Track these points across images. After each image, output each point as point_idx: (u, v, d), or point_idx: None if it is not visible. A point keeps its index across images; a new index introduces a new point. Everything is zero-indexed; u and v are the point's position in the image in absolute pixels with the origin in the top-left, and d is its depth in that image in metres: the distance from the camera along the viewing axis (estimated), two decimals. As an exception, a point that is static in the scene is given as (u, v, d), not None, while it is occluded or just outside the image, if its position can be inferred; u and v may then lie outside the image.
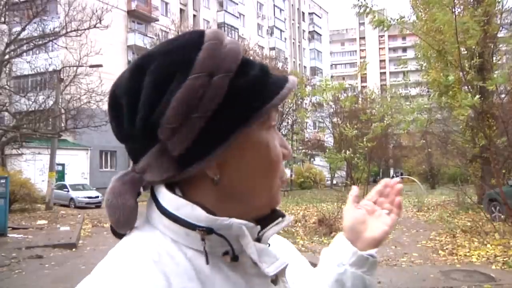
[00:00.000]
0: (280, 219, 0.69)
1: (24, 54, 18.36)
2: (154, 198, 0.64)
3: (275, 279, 0.65)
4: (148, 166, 0.62)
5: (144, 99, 0.59)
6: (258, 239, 0.66)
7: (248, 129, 0.61)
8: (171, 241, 0.61)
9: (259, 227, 0.65)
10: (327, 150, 11.78)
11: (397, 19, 8.64)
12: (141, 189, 0.66)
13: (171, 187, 0.63)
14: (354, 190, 0.92)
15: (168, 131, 0.59)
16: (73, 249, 9.58)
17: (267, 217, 0.68)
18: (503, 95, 11.63)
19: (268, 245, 0.67)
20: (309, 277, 0.80)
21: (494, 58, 12.56)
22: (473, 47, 9.07)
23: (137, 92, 0.60)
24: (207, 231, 0.60)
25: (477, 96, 7.55)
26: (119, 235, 0.65)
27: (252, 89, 0.62)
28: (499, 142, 8.98)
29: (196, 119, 0.59)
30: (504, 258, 7.39)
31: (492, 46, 11.15)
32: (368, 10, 8.01)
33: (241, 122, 0.60)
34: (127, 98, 0.61)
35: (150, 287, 0.55)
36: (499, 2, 11.25)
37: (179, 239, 0.61)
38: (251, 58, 0.69)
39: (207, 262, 0.59)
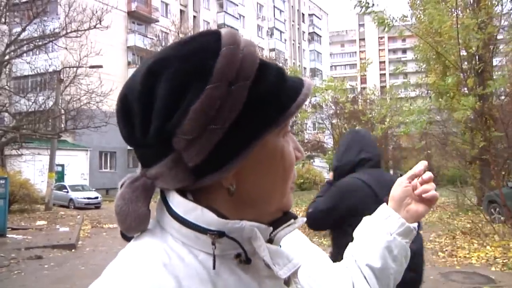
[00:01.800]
0: (292, 220, 0.68)
1: (24, 54, 18.31)
2: (165, 201, 0.63)
3: (287, 280, 0.65)
4: (161, 175, 0.60)
5: (159, 108, 0.57)
6: (270, 240, 0.65)
7: (265, 138, 0.60)
8: (182, 245, 0.60)
9: (271, 228, 0.64)
10: (329, 152, 11.75)
11: (399, 18, 8.62)
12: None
13: (182, 191, 0.62)
14: (420, 166, 0.91)
15: (184, 142, 0.56)
16: (73, 250, 9.57)
17: (279, 219, 0.68)
18: (502, 97, 11.64)
19: (280, 246, 0.66)
20: (322, 271, 0.80)
21: (494, 60, 12.55)
22: (473, 49, 9.07)
23: (150, 99, 0.58)
24: (218, 235, 0.58)
25: (477, 101, 7.55)
26: (128, 238, 0.64)
27: (270, 97, 0.59)
28: (494, 136, 8.91)
29: (214, 131, 0.56)
30: (504, 259, 7.38)
31: (492, 49, 11.15)
32: (369, 9, 7.96)
33: (258, 132, 0.59)
34: (140, 105, 0.58)
35: None
36: (498, 3, 11.26)
37: (190, 242, 0.60)
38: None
39: (214, 267, 0.58)
